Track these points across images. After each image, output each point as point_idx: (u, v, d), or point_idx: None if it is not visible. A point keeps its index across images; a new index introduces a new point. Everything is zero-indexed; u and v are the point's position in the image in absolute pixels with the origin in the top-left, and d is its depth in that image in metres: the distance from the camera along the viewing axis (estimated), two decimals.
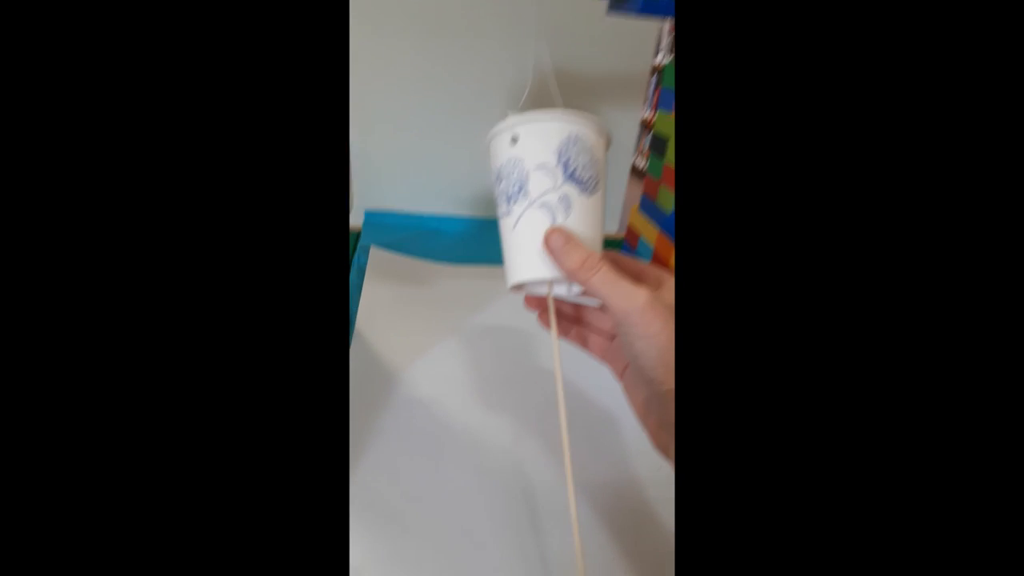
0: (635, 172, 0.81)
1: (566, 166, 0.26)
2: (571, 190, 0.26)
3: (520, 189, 0.26)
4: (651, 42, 0.71)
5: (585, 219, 0.27)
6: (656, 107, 0.53)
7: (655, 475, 0.37)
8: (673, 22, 0.49)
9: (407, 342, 0.48)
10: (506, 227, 0.28)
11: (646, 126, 0.78)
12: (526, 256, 0.27)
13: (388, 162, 0.72)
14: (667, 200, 0.50)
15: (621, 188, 0.81)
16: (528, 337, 0.51)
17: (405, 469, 0.35)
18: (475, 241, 0.71)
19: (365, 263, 0.59)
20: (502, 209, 0.28)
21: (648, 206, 0.53)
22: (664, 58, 0.84)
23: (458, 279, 0.60)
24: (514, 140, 0.27)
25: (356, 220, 0.73)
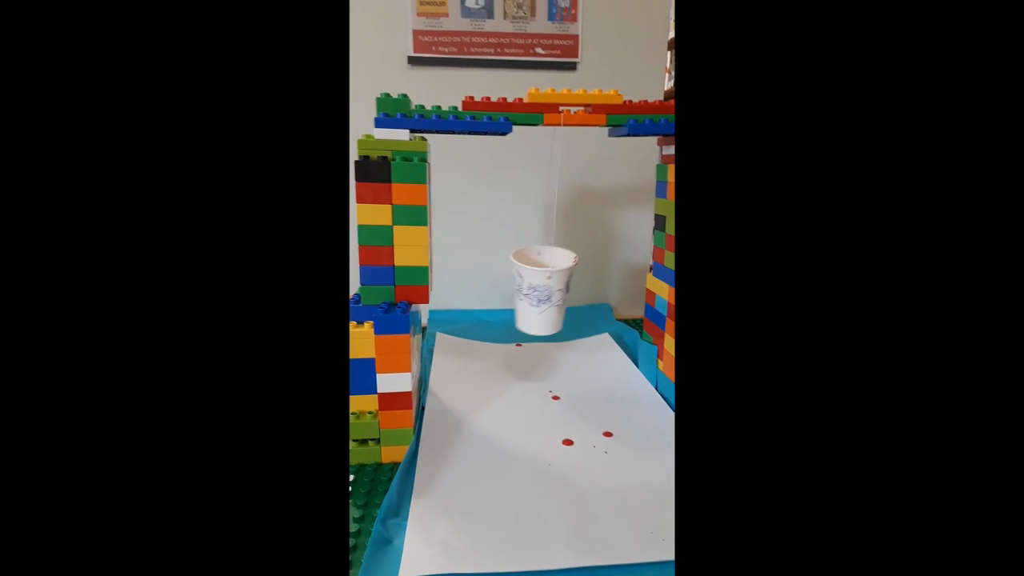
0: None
1: (567, 288, 0.55)
2: (564, 297, 0.55)
3: (548, 298, 0.54)
4: (652, 157, 0.89)
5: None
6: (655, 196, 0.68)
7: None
8: (658, 139, 0.66)
9: (469, 398, 0.59)
10: (534, 311, 0.55)
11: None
12: (543, 324, 0.56)
13: (449, 271, 0.89)
14: (670, 261, 0.61)
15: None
16: (553, 386, 0.63)
17: (475, 477, 0.44)
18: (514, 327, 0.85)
19: (433, 345, 0.73)
20: (532, 303, 0.55)
21: (658, 270, 0.65)
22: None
23: (503, 353, 0.74)
24: (549, 277, 0.53)
25: (424, 319, 0.89)
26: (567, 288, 0.55)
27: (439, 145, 0.71)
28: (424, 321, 0.88)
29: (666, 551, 0.36)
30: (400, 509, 0.40)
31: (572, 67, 0.86)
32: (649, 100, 0.55)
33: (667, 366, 0.61)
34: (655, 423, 0.54)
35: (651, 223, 0.68)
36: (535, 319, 0.55)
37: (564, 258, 0.58)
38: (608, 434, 0.52)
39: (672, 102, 0.56)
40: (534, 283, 0.53)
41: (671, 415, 0.56)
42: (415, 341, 0.53)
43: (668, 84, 2.20)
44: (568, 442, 0.50)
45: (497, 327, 0.85)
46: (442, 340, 0.75)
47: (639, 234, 0.95)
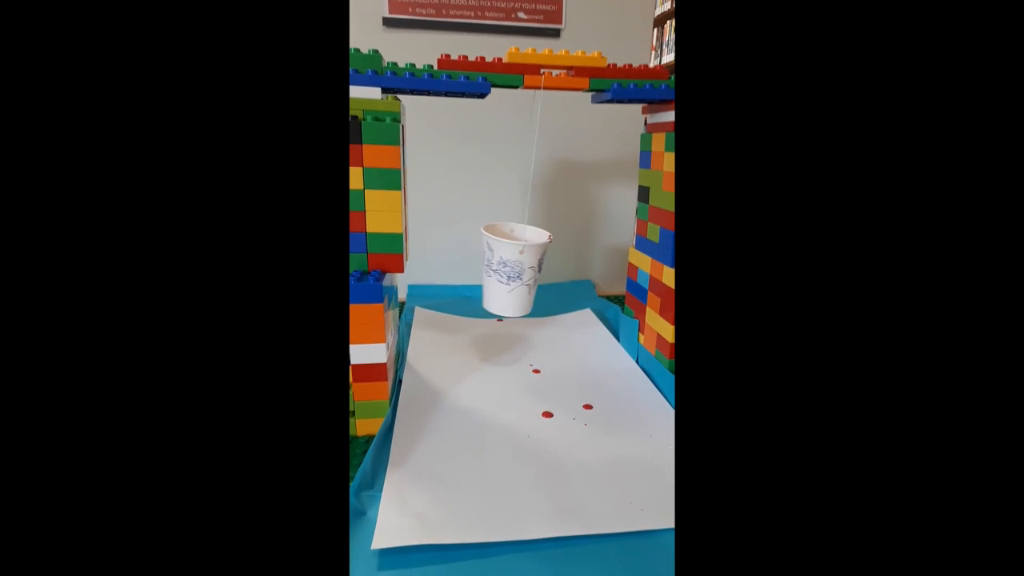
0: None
1: (539, 267, 0.51)
2: (535, 277, 0.52)
3: (519, 275, 0.50)
4: (636, 130, 0.87)
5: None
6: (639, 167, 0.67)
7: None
8: (643, 107, 0.64)
9: (448, 371, 0.58)
10: (503, 289, 0.52)
11: None
12: (512, 304, 0.52)
13: (428, 245, 0.86)
14: (654, 233, 0.60)
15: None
16: (533, 360, 0.62)
17: (453, 449, 0.43)
18: None
19: (411, 319, 0.71)
20: (501, 279, 0.51)
21: (641, 243, 0.64)
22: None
23: (482, 328, 0.72)
24: (521, 251, 0.49)
25: (402, 294, 0.87)
26: (539, 268, 0.52)
27: (415, 113, 0.68)
28: (402, 296, 0.86)
29: (644, 521, 0.36)
30: (374, 482, 0.39)
31: (555, 33, 0.83)
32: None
33: (648, 340, 0.61)
34: (635, 396, 0.54)
35: (634, 199, 0.67)
36: (504, 297, 0.52)
37: (538, 236, 0.55)
38: (588, 407, 0.51)
39: (659, 67, 0.54)
40: (505, 257, 0.50)
41: (651, 388, 0.55)
42: (391, 313, 0.51)
43: (654, 61, 2.16)
44: (548, 414, 0.50)
45: (477, 302, 0.83)
46: (421, 314, 0.74)
47: (622, 210, 0.94)
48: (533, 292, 0.53)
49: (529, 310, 0.53)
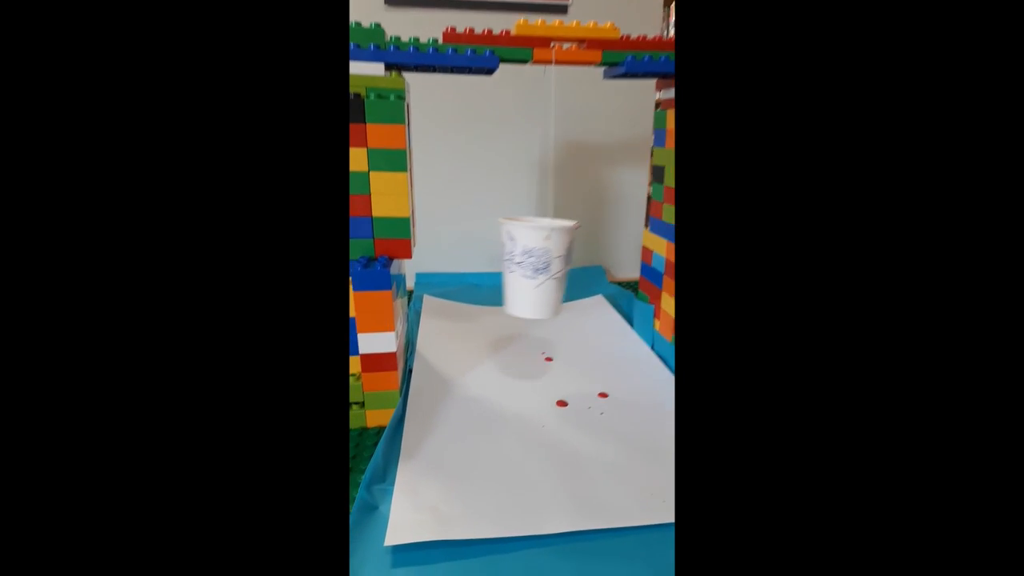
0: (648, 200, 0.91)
1: (568, 258, 0.44)
2: (564, 269, 0.45)
3: (547, 266, 0.43)
4: (647, 110, 0.84)
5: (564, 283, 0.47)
6: (653, 145, 0.64)
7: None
8: (657, 82, 0.62)
9: (459, 360, 0.56)
10: (528, 285, 0.44)
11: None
12: (540, 303, 0.45)
13: (436, 233, 0.85)
14: (670, 214, 0.58)
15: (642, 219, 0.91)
16: (545, 348, 0.61)
17: (466, 440, 0.42)
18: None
19: (420, 308, 0.70)
20: (527, 273, 0.44)
21: (656, 225, 0.62)
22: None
23: (493, 316, 0.71)
24: (547, 237, 0.42)
25: (410, 282, 0.85)
26: (568, 258, 0.45)
27: (421, 94, 0.66)
28: (410, 284, 0.84)
29: (666, 513, 0.34)
30: (386, 474, 0.38)
31: (563, 10, 0.80)
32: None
33: (664, 326, 0.59)
34: (652, 384, 0.52)
35: (644, 182, 0.65)
36: (530, 295, 0.44)
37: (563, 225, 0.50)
38: (604, 395, 0.50)
39: (673, 39, 0.52)
40: (529, 246, 0.43)
41: (668, 375, 0.54)
42: (399, 301, 0.49)
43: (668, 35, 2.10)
44: (562, 403, 0.48)
45: (486, 290, 0.82)
46: (429, 303, 0.72)
47: (634, 193, 0.91)
48: (563, 289, 0.46)
49: (559, 311, 0.46)
